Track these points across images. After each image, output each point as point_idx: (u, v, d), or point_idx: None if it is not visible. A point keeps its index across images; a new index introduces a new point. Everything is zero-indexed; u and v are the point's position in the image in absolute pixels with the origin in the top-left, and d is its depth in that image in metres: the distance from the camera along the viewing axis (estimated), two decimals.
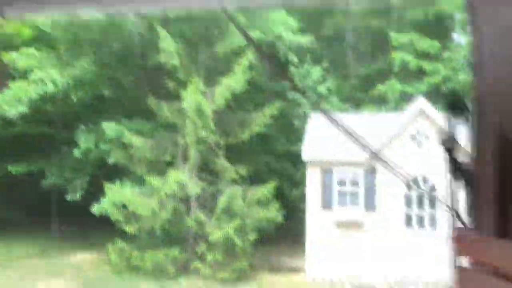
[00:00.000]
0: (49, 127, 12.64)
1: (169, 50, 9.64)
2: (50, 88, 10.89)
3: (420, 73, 12.94)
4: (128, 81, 13.01)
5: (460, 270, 0.43)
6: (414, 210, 8.80)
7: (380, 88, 13.40)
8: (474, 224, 0.54)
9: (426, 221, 8.76)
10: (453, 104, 0.60)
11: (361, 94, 14.71)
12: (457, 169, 0.60)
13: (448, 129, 0.62)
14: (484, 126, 0.55)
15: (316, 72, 14.20)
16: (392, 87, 13.09)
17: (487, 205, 0.51)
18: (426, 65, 12.28)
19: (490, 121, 0.54)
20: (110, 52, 12.51)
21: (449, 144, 0.62)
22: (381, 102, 13.87)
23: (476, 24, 0.55)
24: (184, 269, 9.08)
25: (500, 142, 0.52)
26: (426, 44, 12.47)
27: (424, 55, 12.72)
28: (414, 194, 8.90)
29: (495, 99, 0.54)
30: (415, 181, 8.81)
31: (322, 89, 14.08)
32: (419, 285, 8.45)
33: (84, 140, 10.86)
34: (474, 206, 0.54)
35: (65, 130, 12.76)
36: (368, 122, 10.79)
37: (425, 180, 8.71)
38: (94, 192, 10.87)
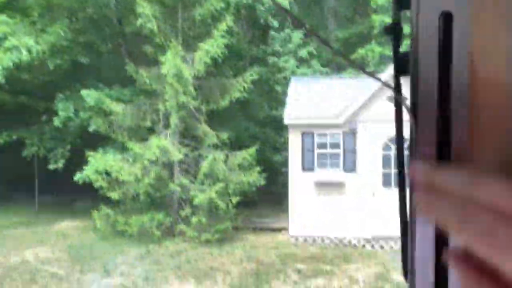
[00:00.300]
0: (27, 96, 12.43)
1: (146, 14, 9.47)
2: (25, 56, 10.65)
3: None
4: (106, 47, 12.79)
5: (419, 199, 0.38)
6: (392, 170, 9.05)
7: (360, 51, 13.45)
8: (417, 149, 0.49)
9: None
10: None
11: (341, 58, 14.74)
12: (400, 58, 0.56)
13: (394, 17, 0.58)
14: (425, 4, 0.51)
15: (296, 36, 14.15)
16: (371, 50, 13.15)
17: (431, 93, 0.49)
18: (405, 27, 12.32)
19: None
20: (85, 17, 12.22)
21: (393, 31, 0.58)
22: (361, 64, 13.93)
23: None
24: (169, 233, 9.26)
25: (443, 19, 0.48)
26: None
27: (403, 17, 12.73)
28: (392, 154, 9.12)
29: None
30: (393, 141, 9.02)
31: (303, 53, 14.07)
32: (397, 241, 8.81)
33: (63, 109, 10.74)
34: (416, 97, 0.50)
35: (44, 99, 12.57)
36: (348, 85, 10.90)
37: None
38: (76, 160, 10.85)
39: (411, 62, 0.54)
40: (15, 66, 10.71)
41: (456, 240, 0.38)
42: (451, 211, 0.33)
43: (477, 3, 0.43)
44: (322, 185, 9.19)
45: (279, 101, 13.90)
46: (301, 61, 14.46)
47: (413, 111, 0.52)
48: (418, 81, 0.52)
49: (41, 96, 12.79)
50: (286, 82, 13.38)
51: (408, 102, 0.52)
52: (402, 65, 0.57)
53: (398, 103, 0.62)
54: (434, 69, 0.49)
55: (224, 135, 9.96)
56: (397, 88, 0.57)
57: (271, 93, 14.64)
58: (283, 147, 13.22)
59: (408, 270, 0.56)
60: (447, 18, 0.47)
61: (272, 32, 14.62)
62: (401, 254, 0.61)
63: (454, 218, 0.33)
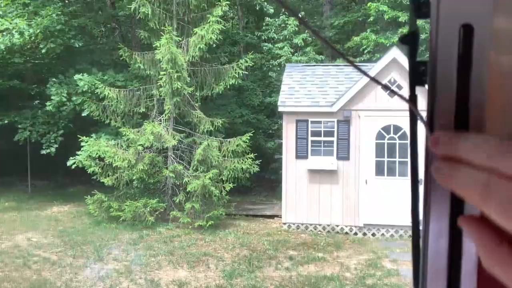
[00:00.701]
0: (19, 80, 12.29)
1: None
2: (17, 39, 10.51)
3: (395, 24, 12.96)
4: (99, 31, 12.63)
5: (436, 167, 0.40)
6: (385, 159, 9.10)
7: (355, 39, 13.41)
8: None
9: (397, 170, 9.08)
10: (418, 3, 0.56)
11: (336, 45, 14.70)
12: (416, 68, 0.57)
13: (411, 25, 0.58)
14: (445, 15, 0.50)
15: (292, 23, 14.05)
16: (367, 38, 13.11)
17: (448, 105, 0.49)
18: (401, 15, 12.29)
19: (451, 10, 0.50)
20: (78, 0, 12.04)
21: (410, 40, 0.58)
22: (356, 53, 13.92)
23: None
24: (162, 218, 9.29)
25: (463, 30, 0.48)
26: None
27: (399, 5, 12.70)
28: (385, 143, 9.17)
29: None
30: (387, 130, 9.06)
31: (298, 40, 14.00)
32: (388, 229, 8.90)
33: (56, 93, 10.65)
34: (432, 109, 0.51)
35: (37, 83, 12.45)
36: (343, 73, 10.89)
37: (397, 129, 8.97)
38: (70, 145, 10.80)
39: (428, 73, 0.55)
40: (7, 49, 10.57)
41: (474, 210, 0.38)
42: (474, 181, 0.34)
43: (499, 17, 0.44)
44: (315, 173, 9.23)
45: (274, 88, 13.88)
46: (296, 48, 14.39)
47: (429, 123, 0.53)
48: (435, 92, 0.52)
49: (34, 80, 12.66)
50: (280, 69, 13.33)
51: (423, 113, 0.53)
52: (419, 75, 0.58)
53: (412, 113, 0.60)
54: (452, 80, 0.50)
55: (219, 122, 9.94)
56: (413, 99, 0.57)
57: (266, 80, 14.60)
58: (276, 134, 13.24)
59: (419, 283, 0.57)
60: (467, 30, 0.47)
61: (267, 19, 14.52)
62: (412, 265, 0.61)
63: (477, 187, 0.33)
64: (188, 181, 8.98)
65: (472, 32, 0.47)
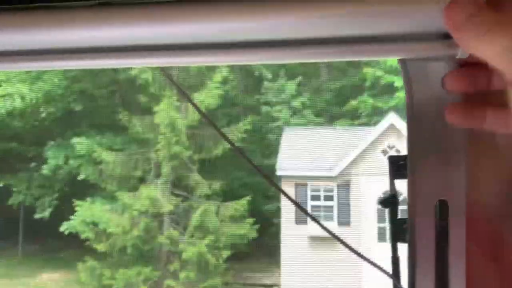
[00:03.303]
0: (18, 142, 12.30)
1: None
2: (19, 103, 10.63)
3: (391, 89, 13.19)
4: (100, 95, 12.80)
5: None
6: (387, 224, 8.89)
7: (353, 103, 13.59)
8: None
9: None
10: (397, 165, 0.60)
11: (334, 108, 14.89)
12: (398, 225, 0.60)
13: (390, 188, 0.62)
14: (419, 186, 0.54)
15: (290, 86, 14.31)
16: (364, 102, 13.29)
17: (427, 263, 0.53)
18: (396, 81, 12.55)
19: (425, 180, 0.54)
20: None
21: (390, 203, 0.62)
22: (354, 116, 14.07)
23: (408, 79, 0.55)
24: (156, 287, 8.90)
25: (439, 204, 0.53)
26: (395, 60, 12.77)
27: (394, 70, 13.00)
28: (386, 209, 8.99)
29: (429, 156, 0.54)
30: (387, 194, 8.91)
31: (296, 103, 14.18)
32: None
33: (53, 156, 10.60)
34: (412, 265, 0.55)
35: (34, 145, 12.44)
36: (342, 136, 10.92)
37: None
38: (64, 209, 10.59)
39: (408, 245, 0.59)
40: (8, 113, 10.66)
41: None
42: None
43: (472, 192, 0.49)
44: (316, 239, 8.96)
45: (272, 150, 13.87)
46: (295, 111, 14.57)
47: (411, 274, 0.57)
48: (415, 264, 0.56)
49: (32, 142, 12.66)
50: (279, 131, 13.41)
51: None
52: (401, 232, 0.61)
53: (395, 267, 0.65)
54: (431, 255, 0.54)
55: (216, 185, 9.82)
56: (395, 258, 0.61)
57: (264, 142, 14.63)
58: (275, 197, 13.04)
59: None
60: (443, 206, 0.52)
61: (265, 82, 14.81)
62: None
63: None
64: (184, 248, 8.70)
65: (447, 207, 0.51)
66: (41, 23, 0.53)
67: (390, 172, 0.66)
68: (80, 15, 0.53)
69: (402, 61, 0.58)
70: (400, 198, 0.67)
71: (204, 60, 0.55)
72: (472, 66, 0.46)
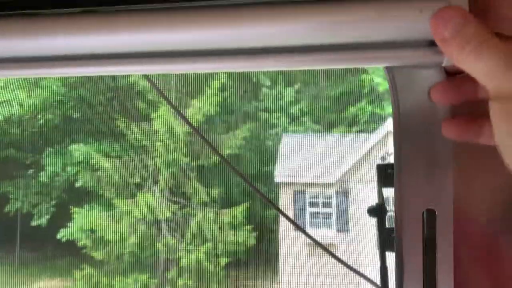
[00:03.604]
0: (15, 149, 12.27)
1: None
2: (17, 110, 10.61)
3: (389, 95, 13.23)
4: (98, 101, 12.81)
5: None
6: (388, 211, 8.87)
7: (351, 109, 13.61)
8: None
9: None
10: (385, 173, 0.62)
11: (332, 115, 14.92)
12: (386, 238, 0.61)
13: (378, 197, 0.65)
14: (406, 195, 0.55)
15: (288, 94, 14.35)
16: (362, 109, 13.31)
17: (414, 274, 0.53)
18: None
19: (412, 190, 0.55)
20: None
21: (377, 212, 0.66)
22: (352, 123, 14.08)
23: (395, 87, 0.56)
24: None
25: (426, 213, 0.53)
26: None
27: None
28: (387, 215, 8.98)
29: (416, 165, 0.54)
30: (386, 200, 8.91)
31: (294, 110, 14.21)
32: None
33: (51, 163, 10.58)
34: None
35: (32, 153, 12.41)
36: (340, 143, 10.91)
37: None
38: (61, 216, 10.55)
39: (396, 255, 0.60)
40: (5, 120, 10.64)
41: None
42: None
43: (459, 201, 0.50)
44: (315, 246, 8.92)
45: (270, 157, 13.86)
46: (293, 118, 14.58)
47: None
48: (402, 273, 0.56)
49: (30, 149, 12.64)
50: (277, 137, 13.42)
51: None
52: (388, 242, 0.63)
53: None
54: (419, 262, 0.55)
55: (214, 192, 9.80)
56: (383, 267, 0.65)
57: (262, 148, 14.63)
58: (273, 203, 13.01)
59: None
60: (430, 215, 0.53)
61: (264, 89, 14.84)
62: None
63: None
64: (182, 255, 8.66)
65: (435, 216, 0.52)
66: (24, 30, 0.54)
67: (378, 180, 0.69)
68: (64, 22, 0.53)
69: (388, 69, 0.59)
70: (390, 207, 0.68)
71: (192, 67, 0.56)
72: (458, 77, 0.47)
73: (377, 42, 0.49)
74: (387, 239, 0.64)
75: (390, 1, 0.48)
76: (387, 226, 0.75)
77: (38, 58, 0.55)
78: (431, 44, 0.47)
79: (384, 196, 0.73)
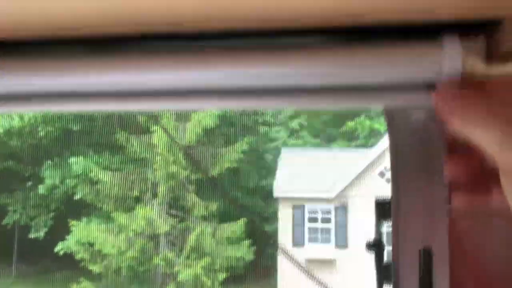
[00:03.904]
0: (15, 161, 12.25)
1: None
2: (17, 122, 10.64)
3: None
4: (98, 114, 12.84)
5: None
6: (386, 247, 8.81)
7: (350, 124, 13.65)
8: None
9: None
10: (383, 209, 0.61)
11: (332, 130, 14.94)
12: (384, 272, 0.61)
13: (376, 232, 0.64)
14: (403, 232, 0.55)
15: (288, 108, 14.38)
16: (361, 123, 13.35)
17: None
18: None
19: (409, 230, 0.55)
20: None
21: (375, 246, 0.64)
22: (351, 138, 14.09)
23: (392, 127, 0.57)
24: None
25: (422, 253, 0.53)
26: None
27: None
28: (384, 231, 8.94)
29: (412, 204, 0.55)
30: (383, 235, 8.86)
31: (294, 124, 14.25)
32: None
33: (50, 176, 10.56)
34: None
35: (31, 165, 12.38)
36: (339, 158, 10.90)
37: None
38: (59, 229, 10.48)
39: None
40: (6, 132, 10.65)
41: None
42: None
43: (454, 241, 0.50)
44: (313, 262, 8.86)
45: (270, 171, 13.84)
46: (292, 132, 14.60)
47: None
48: None
49: (29, 161, 12.62)
50: (277, 151, 13.41)
51: None
52: (386, 275, 0.62)
53: None
54: None
55: (213, 206, 9.76)
56: None
57: (262, 162, 14.61)
58: (272, 217, 12.95)
59: None
60: (427, 254, 0.53)
61: None
62: None
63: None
64: (179, 270, 8.59)
65: (431, 255, 0.52)
66: (31, 69, 0.54)
67: (376, 216, 0.67)
68: (70, 62, 0.54)
69: (386, 110, 0.59)
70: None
71: (193, 106, 0.57)
72: (463, 152, 0.47)
73: (375, 84, 0.50)
74: (384, 275, 0.63)
75: (388, 47, 0.50)
76: (385, 260, 0.74)
77: (43, 94, 0.56)
78: (427, 87, 0.48)
79: (382, 231, 0.73)
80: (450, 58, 0.47)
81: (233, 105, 0.58)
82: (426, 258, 0.54)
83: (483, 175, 0.44)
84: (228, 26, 0.50)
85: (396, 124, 0.59)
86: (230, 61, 0.52)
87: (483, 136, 0.39)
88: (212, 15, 0.48)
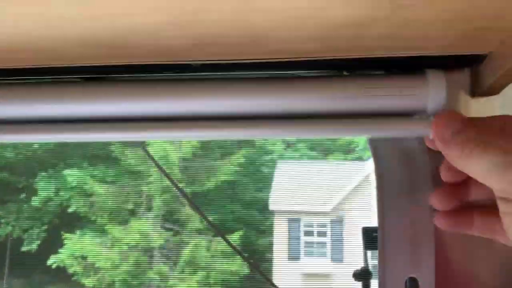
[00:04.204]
0: (8, 173, 12.18)
1: None
2: None
3: None
4: None
5: None
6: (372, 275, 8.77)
7: (346, 137, 13.67)
8: None
9: None
10: (371, 236, 0.64)
11: (328, 142, 14.96)
12: None
13: (364, 261, 0.68)
14: (389, 261, 0.55)
15: None
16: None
17: None
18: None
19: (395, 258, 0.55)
20: None
21: (362, 276, 0.67)
22: (347, 150, 14.12)
23: (378, 157, 0.58)
24: None
25: (408, 282, 0.53)
26: None
27: None
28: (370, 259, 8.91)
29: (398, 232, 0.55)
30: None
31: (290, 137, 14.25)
32: None
33: (44, 188, 10.49)
34: None
35: (25, 176, 12.32)
36: (335, 170, 10.90)
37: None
38: (52, 241, 10.39)
39: None
40: (0, 145, 10.60)
41: None
42: None
43: (440, 270, 0.50)
44: (309, 276, 8.80)
45: (266, 183, 13.82)
46: (289, 144, 14.61)
47: None
48: None
49: (24, 173, 12.55)
50: (273, 164, 13.41)
51: None
52: None
53: None
54: None
55: (208, 219, 9.69)
56: None
57: (258, 175, 14.59)
58: (268, 231, 12.90)
59: None
60: (413, 283, 0.53)
61: None
62: None
63: None
64: (174, 284, 8.50)
65: (418, 284, 0.52)
66: (27, 97, 0.57)
67: (363, 243, 0.70)
68: (66, 90, 0.57)
69: (371, 141, 0.61)
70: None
71: (189, 135, 0.58)
72: (451, 185, 0.49)
73: (361, 115, 0.51)
74: None
75: (375, 81, 0.51)
76: None
77: (37, 122, 0.58)
78: (411, 119, 0.50)
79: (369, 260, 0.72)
80: (435, 92, 0.48)
81: (224, 135, 0.59)
82: (412, 287, 0.53)
83: (467, 206, 0.47)
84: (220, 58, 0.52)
85: (381, 153, 0.61)
86: (219, 93, 0.53)
87: (480, 165, 0.40)
88: (204, 49, 0.50)
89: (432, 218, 0.53)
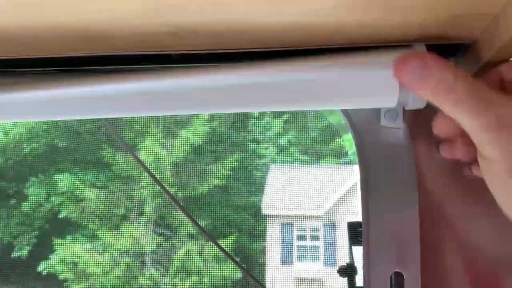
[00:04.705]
0: None
1: None
2: (1, 138, 10.48)
3: None
4: (85, 131, 12.76)
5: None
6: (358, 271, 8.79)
7: (338, 140, 13.71)
8: None
9: None
10: (355, 232, 0.64)
11: (320, 146, 15.01)
12: None
13: (349, 257, 0.68)
14: (373, 256, 0.55)
15: (277, 124, 14.44)
16: (349, 140, 13.44)
17: None
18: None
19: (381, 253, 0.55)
20: None
21: (348, 272, 0.67)
22: (339, 154, 14.15)
23: (361, 145, 0.58)
24: None
25: (394, 277, 0.53)
26: None
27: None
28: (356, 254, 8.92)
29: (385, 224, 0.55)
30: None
31: (283, 141, 14.27)
32: None
33: (35, 193, 10.39)
34: None
35: (16, 182, 12.19)
36: (328, 174, 10.91)
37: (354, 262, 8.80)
38: (42, 247, 10.28)
39: None
40: None
41: None
42: None
43: (425, 265, 0.51)
44: (302, 281, 8.78)
45: (258, 187, 13.80)
46: (281, 148, 14.62)
47: None
48: None
49: (14, 178, 12.42)
50: (265, 168, 13.40)
51: None
52: None
53: None
54: None
55: (201, 223, 9.65)
56: None
57: (250, 179, 14.58)
58: (260, 236, 12.86)
59: None
60: (398, 278, 0.54)
61: (252, 120, 14.92)
62: None
63: None
64: None
65: (403, 280, 0.53)
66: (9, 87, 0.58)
67: (348, 238, 0.70)
68: (39, 81, 0.57)
69: (354, 131, 0.62)
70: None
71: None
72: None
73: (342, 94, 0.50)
74: None
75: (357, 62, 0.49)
76: (358, 285, 0.75)
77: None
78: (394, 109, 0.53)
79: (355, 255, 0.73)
80: None
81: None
82: (397, 282, 0.53)
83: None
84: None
85: (365, 146, 0.61)
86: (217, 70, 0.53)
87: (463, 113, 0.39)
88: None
89: (417, 212, 0.53)
